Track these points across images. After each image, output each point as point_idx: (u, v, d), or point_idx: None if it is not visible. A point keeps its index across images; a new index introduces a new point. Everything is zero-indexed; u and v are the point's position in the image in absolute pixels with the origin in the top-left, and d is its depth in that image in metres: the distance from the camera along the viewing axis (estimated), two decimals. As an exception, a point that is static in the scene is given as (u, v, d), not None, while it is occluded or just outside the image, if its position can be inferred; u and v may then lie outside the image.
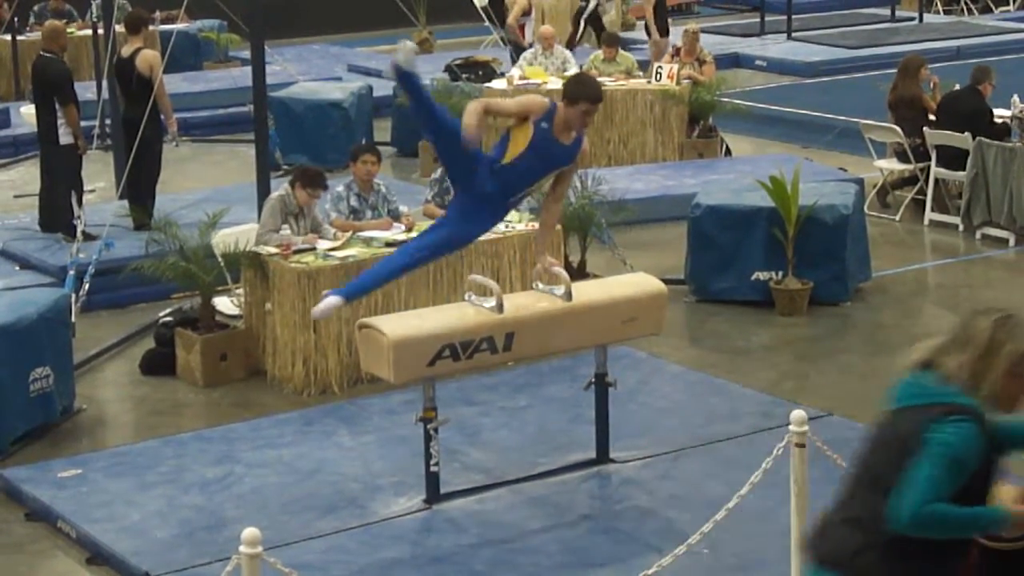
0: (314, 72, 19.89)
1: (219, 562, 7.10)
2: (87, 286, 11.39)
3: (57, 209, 12.54)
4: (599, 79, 15.85)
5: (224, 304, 10.64)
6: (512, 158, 7.58)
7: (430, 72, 18.14)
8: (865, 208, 12.79)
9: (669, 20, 19.82)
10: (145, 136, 12.23)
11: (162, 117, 12.79)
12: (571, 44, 19.67)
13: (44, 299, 9.55)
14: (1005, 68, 17.22)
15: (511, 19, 17.33)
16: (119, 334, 11.02)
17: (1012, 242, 12.97)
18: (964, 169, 13.25)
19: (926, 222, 13.71)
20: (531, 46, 17.42)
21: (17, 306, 9.30)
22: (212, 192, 14.00)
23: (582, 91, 7.66)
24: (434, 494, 8.00)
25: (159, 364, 10.31)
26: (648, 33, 19.50)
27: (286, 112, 16.04)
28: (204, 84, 19.33)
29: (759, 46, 22.56)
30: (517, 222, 10.46)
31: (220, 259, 10.36)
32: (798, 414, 6.73)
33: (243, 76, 17.10)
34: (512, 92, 15.89)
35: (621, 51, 16.89)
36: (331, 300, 7.75)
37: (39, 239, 12.61)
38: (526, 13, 17.50)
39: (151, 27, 16.08)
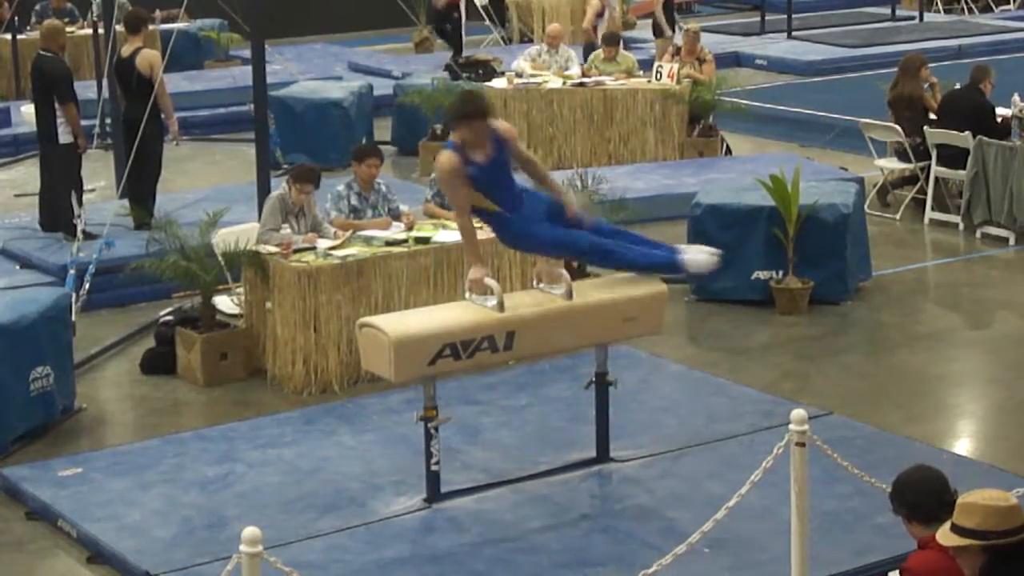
0: (314, 71, 19.90)
1: (219, 561, 7.10)
2: (87, 285, 11.39)
3: (57, 208, 12.54)
4: (599, 78, 16.00)
5: (224, 303, 10.65)
6: (489, 203, 7.86)
7: (430, 71, 18.18)
8: (865, 207, 12.79)
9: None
10: (145, 135, 12.23)
11: (163, 116, 12.79)
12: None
13: (44, 298, 9.56)
14: (1005, 67, 17.23)
15: (586, 22, 17.52)
16: (119, 333, 11.03)
17: (1012, 241, 12.97)
18: (964, 168, 13.25)
19: (926, 221, 13.71)
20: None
21: (17, 305, 9.31)
22: (212, 191, 14.00)
23: (461, 111, 7.78)
24: (435, 493, 8.00)
25: (159, 363, 10.31)
26: (656, 33, 19.50)
27: (286, 111, 16.04)
28: (205, 83, 19.33)
29: (759, 45, 22.55)
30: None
31: (220, 258, 10.36)
32: (798, 413, 6.73)
33: (243, 75, 17.11)
34: (512, 91, 15.94)
35: (622, 51, 16.89)
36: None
37: (39, 238, 12.61)
38: (599, 15, 17.60)
39: (151, 26, 16.05)
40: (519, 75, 16.30)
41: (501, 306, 7.83)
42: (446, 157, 7.75)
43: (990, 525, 4.88)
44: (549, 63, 16.61)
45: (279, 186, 10.62)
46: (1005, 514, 4.88)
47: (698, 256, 8.17)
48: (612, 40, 16.97)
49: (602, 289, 8.44)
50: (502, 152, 7.83)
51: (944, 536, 4.92)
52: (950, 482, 5.30)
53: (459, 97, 8.10)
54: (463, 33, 20.20)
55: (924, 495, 5.26)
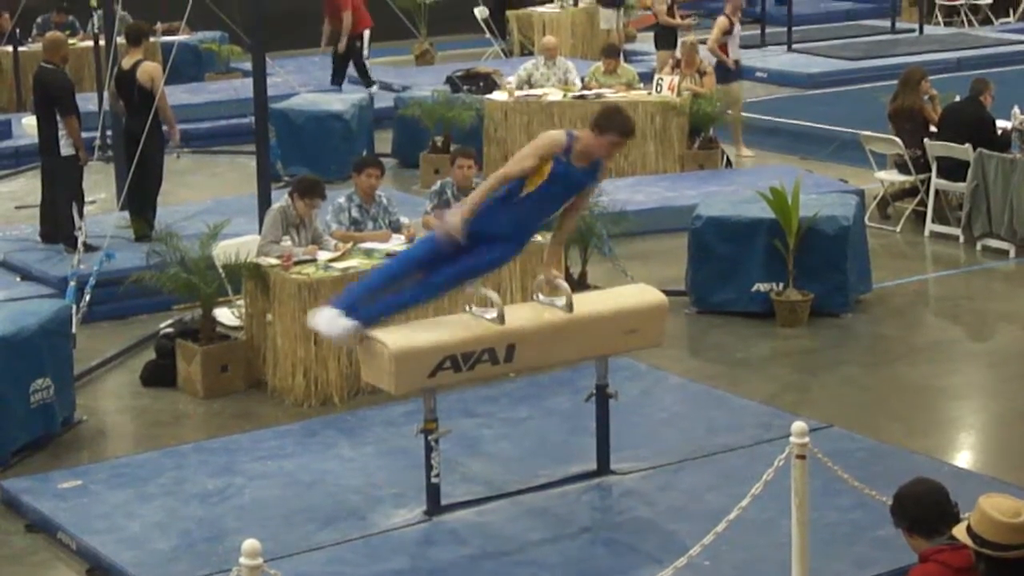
0: (315, 83, 19.92)
1: (219, 574, 7.13)
2: (88, 297, 11.39)
3: (58, 220, 12.55)
4: (600, 91, 16.02)
5: (225, 315, 10.64)
6: (530, 191, 7.68)
7: (431, 83, 18.19)
8: (866, 219, 12.79)
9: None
10: (146, 147, 12.24)
11: (164, 128, 12.80)
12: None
13: (45, 310, 9.55)
14: (1005, 80, 17.24)
15: (711, 42, 17.09)
16: (120, 345, 11.03)
17: (1013, 253, 12.97)
18: (964, 180, 13.26)
19: (927, 233, 13.72)
20: (736, 64, 17.26)
21: (18, 317, 9.31)
22: (213, 203, 14.01)
23: (613, 124, 7.69)
24: (435, 506, 8.00)
25: (160, 375, 10.31)
26: (658, 44, 19.54)
27: (287, 123, 16.06)
28: (205, 95, 19.34)
29: (760, 58, 22.55)
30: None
31: (221, 270, 10.36)
32: (799, 426, 6.72)
33: (244, 87, 17.13)
34: (512, 103, 15.96)
35: (622, 63, 16.90)
36: (348, 324, 7.70)
37: (40, 250, 12.62)
38: (726, 32, 17.15)
39: (151, 39, 16.07)
40: (520, 88, 16.32)
41: (502, 318, 7.83)
42: (559, 135, 7.68)
43: (990, 536, 4.90)
44: (548, 75, 16.62)
45: (280, 198, 10.63)
46: (1008, 529, 4.90)
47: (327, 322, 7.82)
48: (612, 52, 16.98)
49: (603, 301, 8.44)
50: (586, 176, 7.76)
51: (958, 530, 4.98)
52: (951, 495, 5.30)
53: (622, 114, 7.85)
54: (365, 64, 20.16)
55: (925, 508, 5.26)
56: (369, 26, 20.21)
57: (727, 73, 17.02)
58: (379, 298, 7.89)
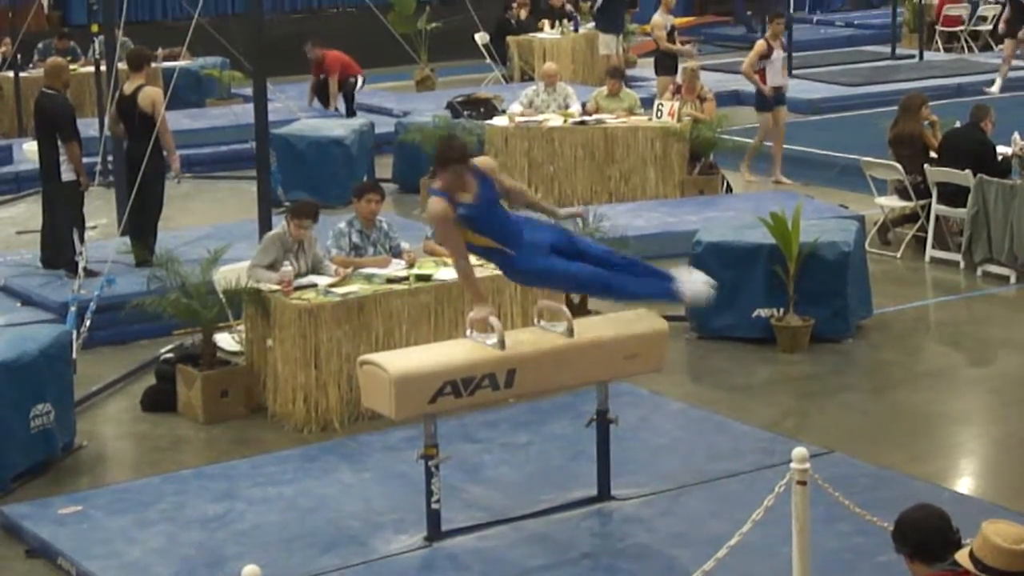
0: (316, 109, 19.95)
1: (219, 599, 7.11)
2: (88, 322, 11.39)
3: (59, 245, 12.56)
4: (600, 116, 16.04)
5: (225, 340, 10.64)
6: (479, 243, 7.88)
7: (432, 109, 18.22)
8: (866, 245, 12.80)
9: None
10: (147, 172, 12.26)
11: (164, 153, 12.82)
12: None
13: (45, 335, 9.55)
14: (1005, 106, 17.27)
15: (745, 66, 16.81)
16: (120, 370, 11.02)
17: (1013, 279, 12.97)
18: (965, 206, 13.27)
19: (927, 259, 13.72)
20: (778, 90, 16.94)
21: (18, 342, 9.30)
22: (214, 229, 14.02)
23: (441, 156, 7.83)
24: (435, 531, 7.98)
25: (160, 400, 10.31)
26: (658, 70, 19.58)
27: (288, 149, 16.08)
28: (207, 121, 19.38)
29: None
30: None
31: (221, 295, 10.36)
32: (799, 451, 6.72)
33: (245, 113, 17.14)
34: (513, 129, 15.98)
35: (625, 88, 16.92)
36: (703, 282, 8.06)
37: (41, 275, 12.62)
38: (763, 57, 16.79)
39: (153, 64, 16.10)
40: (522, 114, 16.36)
41: (502, 344, 7.83)
42: (434, 203, 7.78)
43: (991, 561, 4.90)
44: (548, 102, 16.65)
45: (279, 223, 10.64)
46: (1010, 555, 4.90)
47: (695, 286, 8.14)
48: (616, 74, 17.02)
49: (603, 326, 8.43)
50: (489, 188, 7.86)
51: (960, 556, 4.98)
52: (953, 521, 5.29)
53: (438, 144, 8.16)
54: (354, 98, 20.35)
55: (926, 534, 5.25)
56: (360, 73, 20.39)
57: (764, 100, 16.86)
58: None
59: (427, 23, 23.31)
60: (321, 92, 20.52)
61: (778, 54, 17.04)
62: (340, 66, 20.25)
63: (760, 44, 17.12)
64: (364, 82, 20.58)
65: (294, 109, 18.44)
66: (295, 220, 10.32)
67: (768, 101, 16.89)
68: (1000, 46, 25.31)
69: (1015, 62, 24.06)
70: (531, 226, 8.05)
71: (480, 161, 8.04)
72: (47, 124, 12.66)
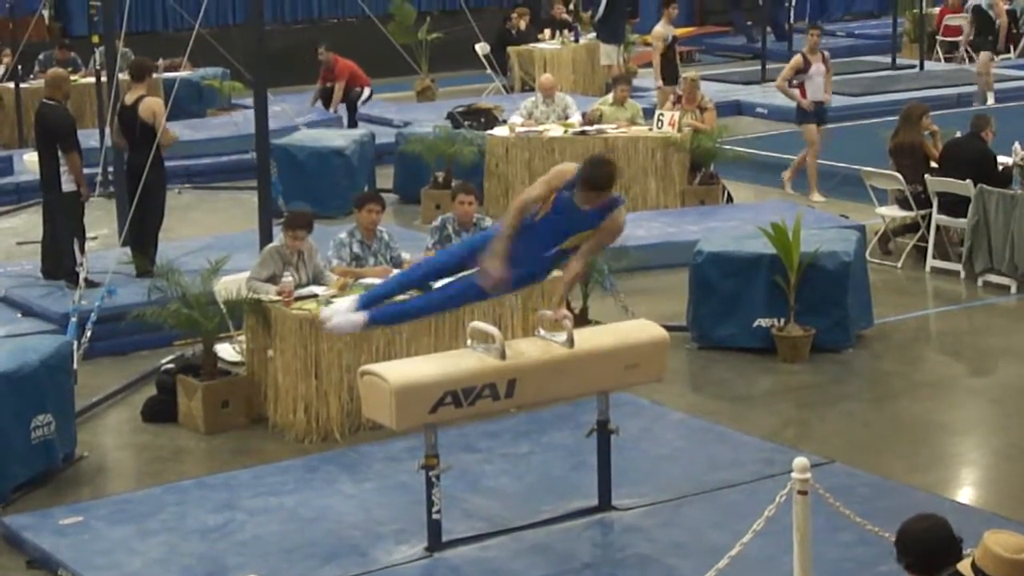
0: (316, 110, 19.97)
1: (220, 610, 7.11)
2: (89, 333, 11.39)
3: (60, 256, 12.56)
4: (601, 126, 16.05)
5: (226, 351, 10.64)
6: (539, 217, 7.81)
7: (432, 119, 18.24)
8: (867, 255, 12.81)
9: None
10: (148, 183, 12.27)
11: (164, 157, 12.79)
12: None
13: (46, 346, 9.55)
14: (1006, 116, 17.26)
15: (779, 80, 16.40)
16: (121, 381, 11.02)
17: (1014, 289, 12.97)
18: (965, 216, 13.27)
19: (928, 269, 13.72)
20: (819, 104, 16.60)
21: (19, 353, 9.30)
22: (214, 239, 14.01)
23: (588, 176, 7.72)
24: (436, 542, 7.98)
25: (161, 411, 10.30)
26: (666, 76, 19.58)
27: (289, 159, 16.08)
28: (207, 131, 19.38)
29: (760, 94, 22.60)
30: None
31: (222, 306, 10.36)
32: (800, 461, 6.72)
33: (246, 123, 17.14)
34: (514, 139, 15.99)
35: (628, 98, 16.91)
36: (356, 317, 8.04)
37: (41, 286, 12.62)
38: (800, 71, 16.42)
39: (154, 75, 16.11)
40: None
41: (502, 354, 7.83)
42: (569, 167, 7.85)
43: (991, 571, 4.90)
44: (547, 113, 16.66)
45: (278, 236, 10.64)
46: (1010, 565, 4.90)
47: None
48: (625, 80, 17.02)
49: (604, 336, 8.44)
50: (586, 219, 7.77)
51: (962, 565, 4.99)
52: (955, 530, 5.29)
53: (602, 166, 7.83)
54: (357, 109, 20.52)
55: (924, 546, 5.25)
56: (367, 83, 20.52)
57: (804, 113, 16.58)
58: (391, 302, 8.27)
59: (428, 33, 23.33)
60: (327, 99, 20.63)
61: (818, 68, 16.60)
62: (349, 74, 20.38)
63: (796, 58, 16.84)
64: (371, 95, 20.70)
65: (291, 114, 18.38)
66: (290, 231, 10.34)
67: (808, 115, 16.54)
68: (1002, 56, 25.37)
69: (1016, 72, 24.12)
70: (530, 265, 7.96)
71: (618, 217, 7.87)
72: (48, 135, 12.67)
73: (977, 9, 22.33)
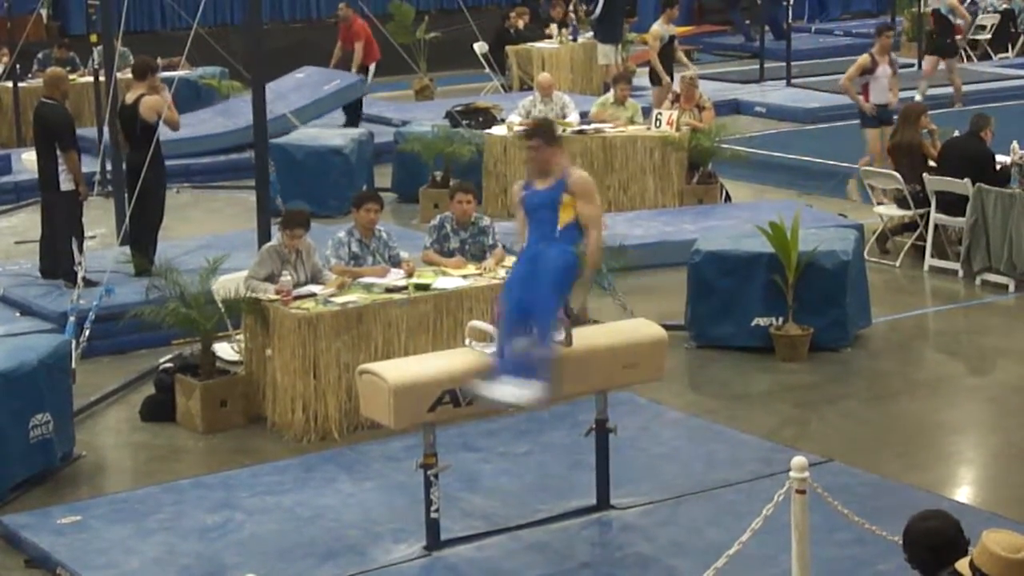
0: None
1: (218, 609, 7.11)
2: (87, 332, 11.39)
3: (58, 255, 12.55)
4: (597, 125, 16.04)
5: (224, 350, 10.64)
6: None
7: (431, 118, 18.23)
8: (865, 254, 12.81)
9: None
10: (148, 182, 12.26)
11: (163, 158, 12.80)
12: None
13: (44, 345, 9.55)
14: (1004, 115, 17.24)
15: (844, 80, 16.12)
16: (119, 380, 11.02)
17: (1012, 288, 12.98)
18: (964, 215, 13.27)
19: (926, 268, 13.73)
20: (883, 108, 15.89)
21: (17, 352, 9.30)
22: (213, 238, 14.01)
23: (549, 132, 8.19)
24: (434, 541, 7.98)
25: (159, 410, 10.30)
26: (653, 81, 19.54)
27: (287, 158, 16.07)
28: (205, 130, 19.33)
29: (758, 93, 22.62)
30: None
31: (220, 305, 10.36)
32: (799, 460, 6.72)
33: (243, 117, 17.10)
34: (511, 138, 15.98)
35: (629, 98, 16.90)
36: (535, 386, 7.73)
37: (40, 285, 12.62)
38: (867, 71, 15.89)
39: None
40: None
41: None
42: (517, 185, 8.33)
43: (989, 570, 4.91)
44: (545, 112, 16.65)
45: (276, 235, 10.64)
46: (1008, 564, 4.90)
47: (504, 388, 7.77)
48: (625, 79, 17.03)
49: (602, 336, 8.44)
50: (548, 193, 8.01)
51: (961, 564, 4.99)
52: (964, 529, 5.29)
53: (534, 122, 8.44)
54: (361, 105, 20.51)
55: (924, 549, 5.25)
56: (377, 59, 20.57)
57: (865, 118, 16.03)
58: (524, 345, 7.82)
59: (426, 32, 23.33)
60: (346, 65, 20.74)
61: (884, 70, 16.07)
62: (366, 36, 20.52)
63: (863, 58, 16.30)
64: (376, 68, 20.90)
65: (288, 109, 18.26)
66: (287, 230, 10.34)
67: (870, 119, 16.02)
68: (1000, 55, 25.37)
69: (1015, 71, 24.11)
70: (542, 257, 8.00)
71: (576, 172, 8.19)
72: (46, 134, 12.66)
73: (936, 13, 22.12)
